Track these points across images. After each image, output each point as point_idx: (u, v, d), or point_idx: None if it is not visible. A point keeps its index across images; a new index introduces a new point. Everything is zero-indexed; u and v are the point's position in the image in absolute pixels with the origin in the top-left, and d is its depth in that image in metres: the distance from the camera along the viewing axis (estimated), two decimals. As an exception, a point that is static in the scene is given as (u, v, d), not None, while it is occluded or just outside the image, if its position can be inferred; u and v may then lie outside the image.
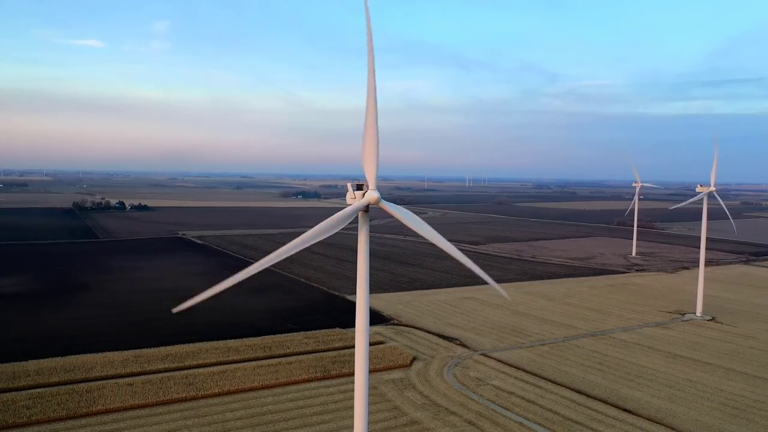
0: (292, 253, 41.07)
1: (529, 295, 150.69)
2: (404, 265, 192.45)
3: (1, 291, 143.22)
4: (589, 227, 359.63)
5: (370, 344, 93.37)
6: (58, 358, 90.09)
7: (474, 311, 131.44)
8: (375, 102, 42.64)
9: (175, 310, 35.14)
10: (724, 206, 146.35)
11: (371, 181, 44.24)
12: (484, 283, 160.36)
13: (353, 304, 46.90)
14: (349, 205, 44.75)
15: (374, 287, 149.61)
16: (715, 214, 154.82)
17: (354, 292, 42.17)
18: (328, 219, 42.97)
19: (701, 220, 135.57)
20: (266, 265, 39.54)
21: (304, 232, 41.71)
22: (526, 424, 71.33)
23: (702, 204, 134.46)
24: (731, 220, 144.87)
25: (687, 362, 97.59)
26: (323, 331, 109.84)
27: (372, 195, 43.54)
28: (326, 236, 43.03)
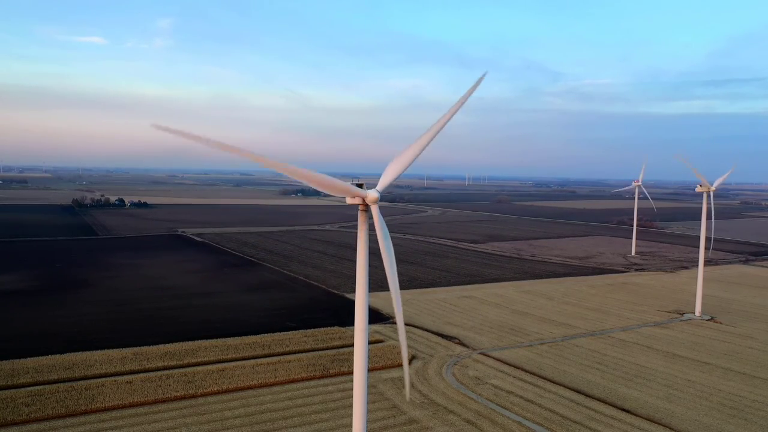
0: (278, 170, 40.48)
1: (528, 294, 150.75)
2: (403, 264, 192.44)
3: (1, 288, 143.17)
4: (588, 226, 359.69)
5: (369, 343, 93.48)
6: (57, 356, 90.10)
7: (473, 310, 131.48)
8: (439, 130, 43.72)
9: (153, 124, 34.60)
10: (711, 208, 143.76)
11: (382, 183, 44.30)
12: (484, 281, 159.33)
13: (352, 303, 46.96)
14: (349, 204, 44.88)
15: (373, 286, 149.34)
16: (716, 214, 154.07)
17: (353, 291, 42.34)
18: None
19: (701, 219, 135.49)
20: (252, 159, 38.66)
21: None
22: (525, 423, 71.37)
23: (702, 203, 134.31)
24: (712, 221, 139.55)
25: (686, 362, 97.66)
26: (322, 329, 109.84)
27: (372, 193, 43.61)
28: (305, 183, 42.41)
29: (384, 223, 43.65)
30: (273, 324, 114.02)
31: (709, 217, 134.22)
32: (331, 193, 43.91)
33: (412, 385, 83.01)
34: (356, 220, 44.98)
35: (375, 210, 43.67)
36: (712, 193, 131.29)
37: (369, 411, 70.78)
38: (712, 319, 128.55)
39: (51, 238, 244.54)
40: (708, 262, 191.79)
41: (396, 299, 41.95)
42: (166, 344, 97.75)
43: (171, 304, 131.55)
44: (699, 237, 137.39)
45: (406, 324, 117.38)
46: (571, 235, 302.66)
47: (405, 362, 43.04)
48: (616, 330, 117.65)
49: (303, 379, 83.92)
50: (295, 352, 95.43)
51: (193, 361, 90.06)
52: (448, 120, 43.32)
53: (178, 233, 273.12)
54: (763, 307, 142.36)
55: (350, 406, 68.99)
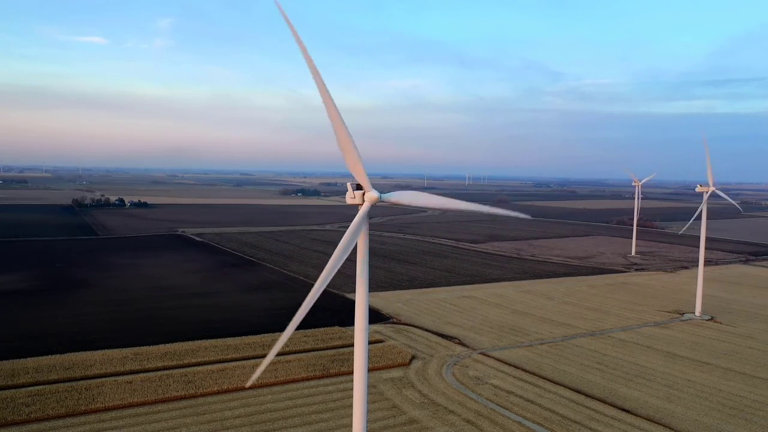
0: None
1: (529, 294, 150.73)
2: (403, 264, 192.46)
3: (1, 288, 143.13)
4: (588, 226, 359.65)
5: (369, 343, 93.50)
6: (57, 356, 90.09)
7: (473, 310, 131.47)
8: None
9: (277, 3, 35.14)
10: (703, 208, 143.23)
11: (365, 183, 44.25)
12: (484, 281, 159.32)
13: (352, 303, 46.94)
14: (349, 204, 44.89)
15: (373, 285, 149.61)
16: (715, 214, 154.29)
17: (353, 290, 42.19)
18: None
19: (701, 219, 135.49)
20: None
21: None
22: (525, 423, 71.35)
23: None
24: (703, 220, 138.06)
25: (686, 362, 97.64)
26: (322, 329, 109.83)
27: (372, 196, 43.55)
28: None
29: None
30: (273, 324, 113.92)
31: (700, 218, 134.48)
32: (353, 173, 43.87)
33: (412, 385, 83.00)
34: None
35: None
36: (710, 193, 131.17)
37: (369, 411, 70.78)
38: (712, 319, 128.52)
39: (51, 238, 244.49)
40: (708, 262, 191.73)
41: (318, 288, 40.66)
42: (166, 344, 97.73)
43: (171, 304, 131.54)
44: (699, 237, 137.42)
45: (406, 324, 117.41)
46: (571, 235, 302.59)
47: (279, 344, 40.96)
48: (616, 330, 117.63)
49: (303, 379, 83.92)
50: (295, 352, 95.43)
51: (193, 361, 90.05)
52: (472, 211, 43.73)
53: (178, 233, 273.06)
54: (763, 307, 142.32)
55: (350, 406, 68.97)
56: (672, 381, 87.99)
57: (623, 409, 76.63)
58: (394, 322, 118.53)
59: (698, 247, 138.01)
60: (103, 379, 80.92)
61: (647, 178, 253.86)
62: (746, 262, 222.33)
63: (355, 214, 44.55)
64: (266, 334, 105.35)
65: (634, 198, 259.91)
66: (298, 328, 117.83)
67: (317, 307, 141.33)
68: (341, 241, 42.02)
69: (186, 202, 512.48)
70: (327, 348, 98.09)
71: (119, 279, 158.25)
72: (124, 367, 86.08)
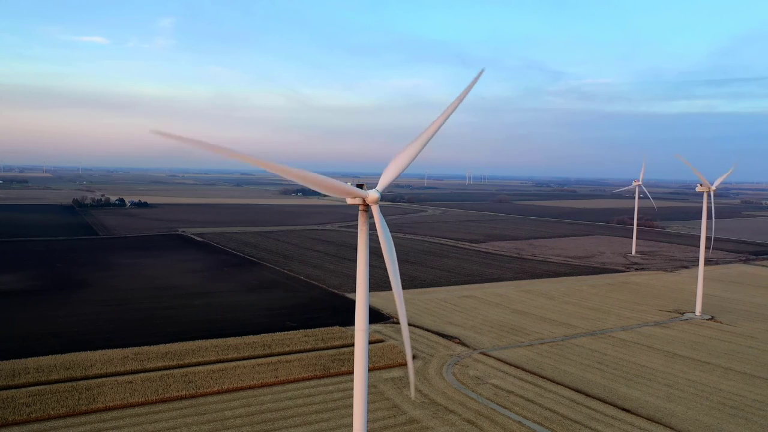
0: (272, 171, 39.15)
1: (529, 294, 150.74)
2: (404, 263, 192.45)
3: (1, 288, 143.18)
4: (589, 226, 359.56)
5: (370, 342, 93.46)
6: (58, 356, 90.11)
7: (473, 310, 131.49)
8: (437, 129, 42.85)
9: (152, 130, 32.92)
10: (712, 207, 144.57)
11: (382, 183, 44.20)
12: (484, 281, 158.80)
13: (353, 302, 46.95)
14: (349, 204, 44.91)
15: (373, 285, 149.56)
16: (715, 213, 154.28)
17: (353, 290, 42.23)
18: (320, 176, 41.39)
19: (701, 219, 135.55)
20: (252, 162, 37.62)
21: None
22: (525, 423, 71.38)
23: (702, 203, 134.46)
24: (712, 220, 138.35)
25: (686, 362, 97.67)
26: (323, 329, 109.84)
27: (373, 194, 43.58)
28: (302, 184, 41.32)
29: (385, 223, 43.51)
30: (273, 324, 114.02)
31: (709, 217, 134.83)
32: (331, 195, 43.67)
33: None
34: (357, 220, 44.97)
35: (375, 210, 43.64)
36: (712, 193, 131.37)
37: (369, 411, 70.81)
38: (712, 318, 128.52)
39: (51, 237, 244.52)
40: (708, 262, 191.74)
41: (398, 298, 41.91)
42: (167, 344, 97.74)
43: (171, 304, 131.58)
44: (699, 236, 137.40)
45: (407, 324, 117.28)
46: (571, 235, 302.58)
47: (409, 362, 42.85)
48: (616, 329, 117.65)
49: (303, 379, 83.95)
50: (295, 352, 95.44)
51: (194, 360, 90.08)
52: (446, 119, 42.90)
53: (179, 233, 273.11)
54: (763, 306, 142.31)
55: (350, 405, 69.03)
56: (672, 380, 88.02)
57: (623, 409, 76.66)
58: (394, 322, 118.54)
59: (698, 247, 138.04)
60: (104, 379, 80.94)
61: (641, 173, 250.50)
62: (746, 261, 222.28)
63: (356, 214, 44.60)
64: (266, 334, 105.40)
65: (634, 198, 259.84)
66: (299, 328, 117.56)
67: (317, 308, 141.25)
68: (383, 250, 42.31)
69: (186, 201, 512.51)
70: (327, 348, 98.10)
71: (120, 279, 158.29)
72: (125, 367, 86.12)
